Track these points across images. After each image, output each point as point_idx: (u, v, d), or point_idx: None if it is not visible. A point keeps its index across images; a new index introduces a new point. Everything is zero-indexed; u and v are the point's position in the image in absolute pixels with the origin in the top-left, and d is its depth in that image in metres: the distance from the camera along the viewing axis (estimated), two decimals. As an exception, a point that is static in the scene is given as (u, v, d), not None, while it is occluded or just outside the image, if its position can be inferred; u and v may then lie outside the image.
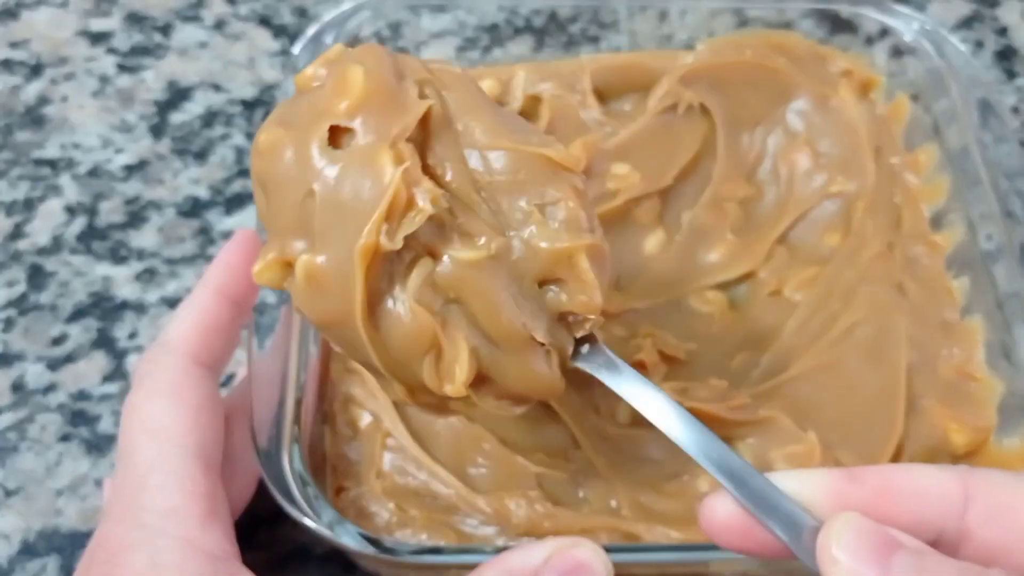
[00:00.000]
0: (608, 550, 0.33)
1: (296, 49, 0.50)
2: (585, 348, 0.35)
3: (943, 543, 0.29)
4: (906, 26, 0.53)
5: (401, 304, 0.32)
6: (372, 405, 0.43)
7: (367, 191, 0.31)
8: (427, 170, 0.33)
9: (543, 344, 0.34)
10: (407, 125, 0.32)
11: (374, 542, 0.37)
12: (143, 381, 0.39)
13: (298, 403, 0.40)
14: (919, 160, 0.52)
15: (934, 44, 0.52)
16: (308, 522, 0.37)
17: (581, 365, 0.35)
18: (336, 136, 0.32)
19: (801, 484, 0.29)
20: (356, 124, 0.32)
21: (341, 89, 0.32)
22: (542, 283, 0.34)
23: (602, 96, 0.54)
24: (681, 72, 0.52)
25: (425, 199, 0.32)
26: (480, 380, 0.34)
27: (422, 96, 0.33)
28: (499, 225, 0.33)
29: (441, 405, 0.35)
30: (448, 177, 0.33)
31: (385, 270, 0.32)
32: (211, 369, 0.40)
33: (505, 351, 0.34)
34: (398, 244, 0.32)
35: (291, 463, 0.38)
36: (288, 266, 0.33)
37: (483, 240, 0.33)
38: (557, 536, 0.35)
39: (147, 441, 0.37)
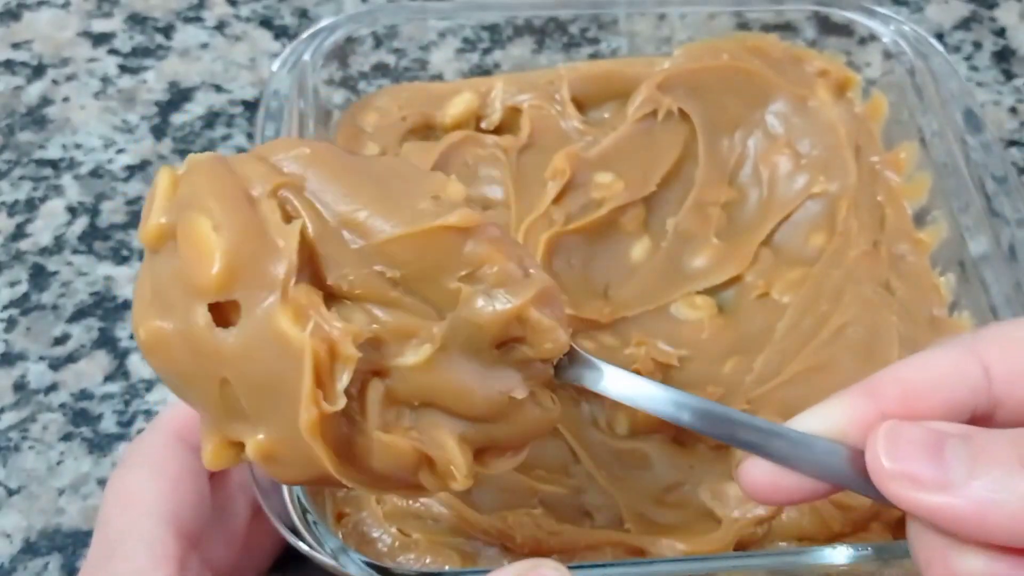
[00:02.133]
0: (614, 566, 0.33)
1: (275, 66, 0.50)
2: (564, 360, 0.33)
3: (977, 420, 0.28)
4: (884, 28, 0.53)
5: (371, 438, 0.30)
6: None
7: (283, 366, 0.28)
8: (329, 292, 0.30)
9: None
10: (289, 266, 0.29)
11: (379, 569, 0.36)
12: (127, 457, 0.39)
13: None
14: (899, 158, 0.52)
15: (914, 46, 0.52)
16: (314, 554, 0.36)
17: (566, 379, 0.33)
18: (221, 312, 0.29)
19: (823, 420, 0.29)
20: (236, 296, 0.29)
21: (198, 257, 0.29)
22: (500, 345, 0.31)
23: (581, 105, 0.54)
24: (659, 78, 0.52)
25: (347, 343, 0.28)
26: (480, 452, 0.32)
27: (284, 211, 0.30)
28: (433, 311, 0.31)
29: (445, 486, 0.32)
30: (357, 289, 0.30)
31: (339, 418, 0.29)
32: (197, 449, 0.39)
33: (494, 422, 0.32)
34: (342, 402, 0.28)
35: (291, 491, 0.38)
36: (239, 444, 0.30)
37: (423, 336, 0.30)
38: (533, 557, 0.34)
39: (119, 512, 0.37)
